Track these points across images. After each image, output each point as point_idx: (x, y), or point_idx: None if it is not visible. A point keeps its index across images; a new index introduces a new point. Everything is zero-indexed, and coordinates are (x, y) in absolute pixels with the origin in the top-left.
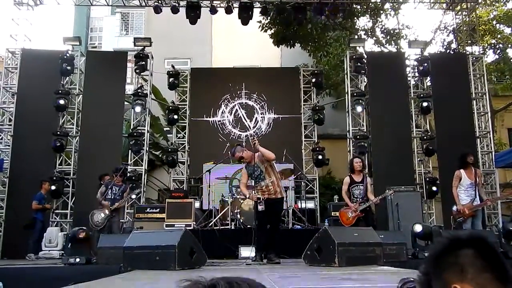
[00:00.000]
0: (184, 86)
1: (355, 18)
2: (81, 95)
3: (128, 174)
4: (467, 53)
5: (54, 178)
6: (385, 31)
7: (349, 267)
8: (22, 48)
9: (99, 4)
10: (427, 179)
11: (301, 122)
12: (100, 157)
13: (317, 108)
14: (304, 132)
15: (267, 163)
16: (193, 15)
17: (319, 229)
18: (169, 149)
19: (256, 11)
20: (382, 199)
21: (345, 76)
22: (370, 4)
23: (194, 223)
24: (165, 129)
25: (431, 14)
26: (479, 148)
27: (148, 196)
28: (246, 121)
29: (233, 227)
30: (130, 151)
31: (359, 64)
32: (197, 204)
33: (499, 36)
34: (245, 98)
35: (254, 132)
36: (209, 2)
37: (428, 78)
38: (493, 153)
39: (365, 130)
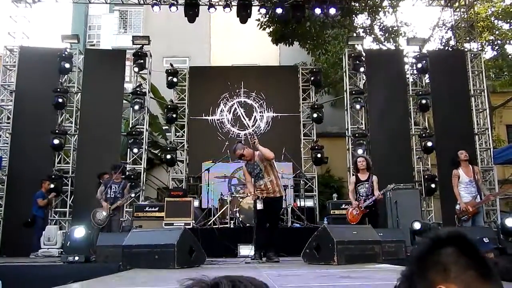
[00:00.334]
0: (182, 84)
1: (354, 15)
2: (79, 93)
3: (127, 173)
4: (466, 50)
5: (53, 176)
6: (383, 28)
7: (348, 265)
8: (20, 46)
9: (97, 2)
10: (426, 176)
11: (300, 121)
12: (99, 156)
13: (315, 106)
14: (303, 131)
15: (266, 162)
16: (192, 13)
17: (318, 228)
18: (168, 148)
19: (255, 9)
20: (383, 193)
21: (344, 74)
22: (369, 1)
23: (193, 221)
24: (164, 127)
25: (429, 11)
26: (478, 144)
27: (147, 195)
28: (245, 120)
29: (232, 226)
30: (128, 149)
31: (357, 62)
32: (196, 203)
33: (497, 32)
34: (244, 96)
35: (253, 130)
36: (208, 0)
37: (427, 75)
38: (492, 149)
39: (363, 128)
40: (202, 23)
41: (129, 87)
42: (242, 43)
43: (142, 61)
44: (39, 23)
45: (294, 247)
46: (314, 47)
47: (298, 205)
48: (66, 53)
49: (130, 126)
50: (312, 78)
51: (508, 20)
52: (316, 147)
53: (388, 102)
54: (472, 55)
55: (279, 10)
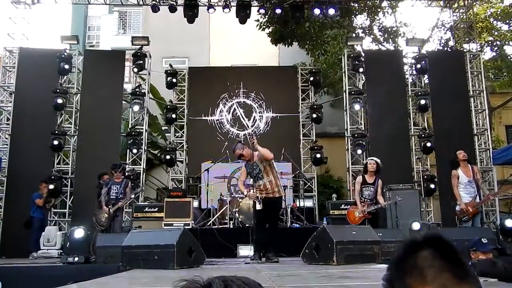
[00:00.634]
0: (182, 85)
1: (353, 16)
2: (79, 94)
3: (127, 173)
4: (465, 50)
5: (52, 177)
6: (382, 29)
7: (348, 265)
8: (20, 47)
9: (96, 3)
10: (425, 176)
11: (299, 121)
12: (98, 156)
13: (315, 106)
14: (302, 131)
15: (266, 162)
16: (191, 14)
17: (317, 228)
18: (167, 148)
19: (254, 10)
20: (392, 203)
21: (343, 74)
22: (368, 2)
23: (193, 222)
24: (163, 128)
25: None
26: (477, 145)
27: (147, 195)
28: (244, 120)
29: (231, 226)
30: (128, 150)
31: (356, 62)
32: (195, 203)
33: (496, 33)
34: (243, 97)
35: (252, 131)
36: (207, 0)
37: (426, 76)
38: (491, 150)
39: (363, 128)
40: (202, 24)
41: (128, 87)
42: (242, 43)
43: (141, 61)
44: (39, 24)
45: (293, 248)
46: (313, 48)
47: (298, 205)
48: (65, 54)
49: (130, 126)
50: (312, 79)
51: (507, 21)
52: (316, 148)
53: (387, 102)
54: (471, 55)
55: (278, 11)
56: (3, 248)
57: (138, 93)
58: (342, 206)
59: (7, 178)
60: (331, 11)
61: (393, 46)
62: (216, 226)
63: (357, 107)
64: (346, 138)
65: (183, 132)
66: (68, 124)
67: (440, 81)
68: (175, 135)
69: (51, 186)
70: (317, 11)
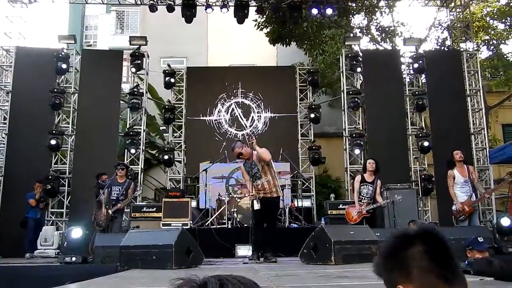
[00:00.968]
0: (180, 85)
1: (350, 16)
2: (76, 94)
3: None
4: (461, 49)
5: (50, 177)
6: (380, 28)
7: (346, 265)
8: (17, 46)
9: (94, 2)
10: (423, 176)
11: (297, 121)
12: (96, 156)
13: (313, 106)
14: (301, 131)
15: (264, 162)
16: (189, 13)
17: (315, 228)
18: (166, 148)
19: (252, 10)
20: (390, 202)
21: (341, 74)
22: (365, 2)
23: (191, 222)
24: (161, 128)
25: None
26: (474, 144)
27: (145, 196)
28: (243, 120)
29: (229, 226)
30: (126, 150)
31: (354, 62)
32: (193, 203)
33: (492, 32)
34: (241, 97)
35: (250, 131)
36: (205, 0)
37: (423, 75)
38: (488, 149)
39: (361, 128)
40: (199, 24)
41: (126, 87)
42: (239, 43)
43: (139, 61)
44: (36, 23)
45: (291, 247)
46: (311, 48)
47: (296, 205)
48: (63, 53)
49: (128, 126)
50: (310, 79)
51: (503, 20)
52: (314, 147)
53: (385, 102)
54: (468, 55)
55: (276, 11)
56: (0, 247)
57: (136, 93)
58: (340, 206)
59: (3, 177)
60: (329, 11)
61: (391, 45)
62: (214, 226)
63: (355, 107)
64: (344, 138)
65: (181, 132)
66: (65, 124)
67: (437, 81)
68: (173, 135)
69: (48, 186)
70: (315, 11)
